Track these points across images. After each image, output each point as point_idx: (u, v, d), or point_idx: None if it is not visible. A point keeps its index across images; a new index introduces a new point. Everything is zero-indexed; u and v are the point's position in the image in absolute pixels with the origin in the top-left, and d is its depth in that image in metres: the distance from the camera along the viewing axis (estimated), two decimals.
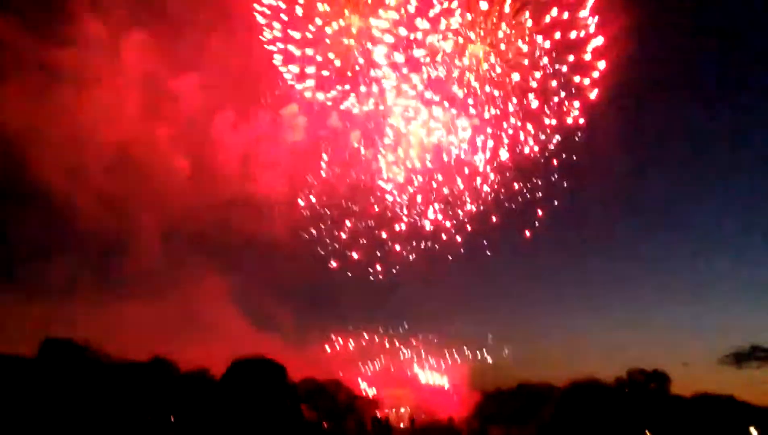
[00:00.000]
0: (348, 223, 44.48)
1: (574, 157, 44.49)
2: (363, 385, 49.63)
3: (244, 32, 38.79)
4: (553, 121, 43.13)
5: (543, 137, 43.40)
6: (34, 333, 36.19)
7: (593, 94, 42.53)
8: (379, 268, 46.33)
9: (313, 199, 43.62)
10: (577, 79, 42.33)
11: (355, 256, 45.91)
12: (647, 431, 44.42)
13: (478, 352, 50.15)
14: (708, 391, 49.76)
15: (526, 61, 41.82)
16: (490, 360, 49.60)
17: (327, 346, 50.19)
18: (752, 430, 44.02)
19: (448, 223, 45.46)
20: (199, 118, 41.86)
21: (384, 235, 45.42)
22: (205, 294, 47.92)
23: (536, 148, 43.62)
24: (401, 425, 45.81)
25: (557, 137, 43.50)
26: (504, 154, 43.94)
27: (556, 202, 46.45)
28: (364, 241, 45.50)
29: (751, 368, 68.52)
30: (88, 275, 48.36)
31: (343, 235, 45.08)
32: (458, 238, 45.79)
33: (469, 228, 45.57)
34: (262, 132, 43.08)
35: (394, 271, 46.56)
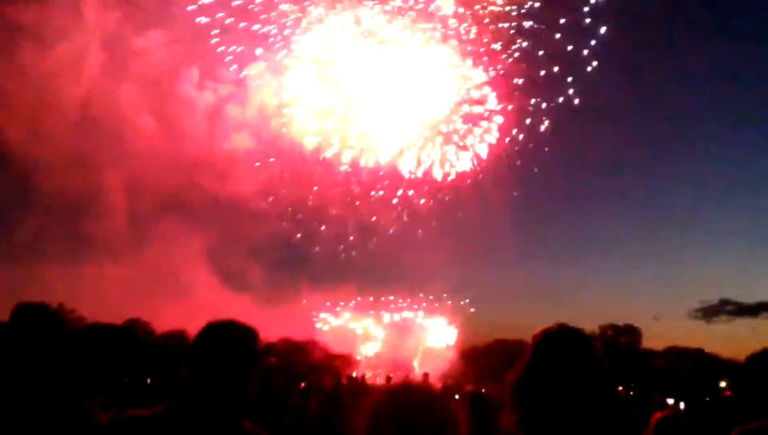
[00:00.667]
0: (315, 187, 41.14)
1: (562, 132, 41.02)
2: (338, 343, 49.83)
3: None
4: (543, 103, 37.80)
5: (528, 121, 38.03)
6: (5, 297, 35.56)
7: (590, 67, 36.06)
8: (351, 238, 43.42)
9: (272, 160, 40.23)
10: (569, 48, 35.53)
11: (322, 228, 42.79)
12: (620, 386, 45.23)
13: (455, 307, 50.02)
14: (678, 344, 50.89)
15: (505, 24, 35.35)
16: (472, 309, 49.44)
17: (301, 306, 49.94)
18: (722, 383, 44.91)
19: (422, 200, 42.26)
20: (165, 75, 40.43)
21: (357, 202, 42.17)
22: (178, 254, 47.37)
23: (521, 136, 39.34)
24: (377, 382, 46.15)
25: (546, 122, 37.93)
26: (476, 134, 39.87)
27: (535, 170, 43.91)
28: (334, 211, 42.39)
29: (720, 322, 70.31)
30: (57, 237, 47.43)
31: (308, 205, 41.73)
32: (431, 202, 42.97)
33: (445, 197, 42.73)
34: (229, 90, 40.88)
35: (370, 245, 44.24)
